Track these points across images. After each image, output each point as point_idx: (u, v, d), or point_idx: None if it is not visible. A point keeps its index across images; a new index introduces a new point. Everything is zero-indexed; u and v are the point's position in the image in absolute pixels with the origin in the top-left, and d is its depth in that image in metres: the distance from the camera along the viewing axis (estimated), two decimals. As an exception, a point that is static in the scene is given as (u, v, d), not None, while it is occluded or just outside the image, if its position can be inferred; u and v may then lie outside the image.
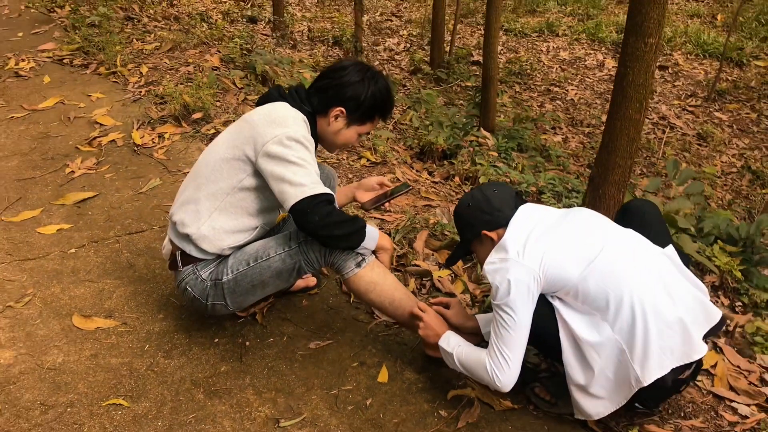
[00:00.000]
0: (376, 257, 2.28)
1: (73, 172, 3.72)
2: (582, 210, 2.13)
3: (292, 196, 2.05)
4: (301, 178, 2.07)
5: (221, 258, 2.28)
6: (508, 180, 4.27)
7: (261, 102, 2.32)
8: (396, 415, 2.15)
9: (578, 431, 2.12)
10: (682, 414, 2.22)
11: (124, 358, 2.34)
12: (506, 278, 1.89)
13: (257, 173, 2.16)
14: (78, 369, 2.28)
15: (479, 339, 2.31)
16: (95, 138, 4.13)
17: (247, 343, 2.45)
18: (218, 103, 4.71)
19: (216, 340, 2.46)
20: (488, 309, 2.63)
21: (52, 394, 2.16)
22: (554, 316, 1.96)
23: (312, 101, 2.26)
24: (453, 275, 2.89)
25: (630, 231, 2.06)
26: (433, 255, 2.99)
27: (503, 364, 1.91)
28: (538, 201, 4.30)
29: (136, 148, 4.04)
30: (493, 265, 1.95)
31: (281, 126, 2.12)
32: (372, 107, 2.27)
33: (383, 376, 2.31)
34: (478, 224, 2.08)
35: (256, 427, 2.08)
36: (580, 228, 2.01)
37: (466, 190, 4.06)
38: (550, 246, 1.93)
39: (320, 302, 2.72)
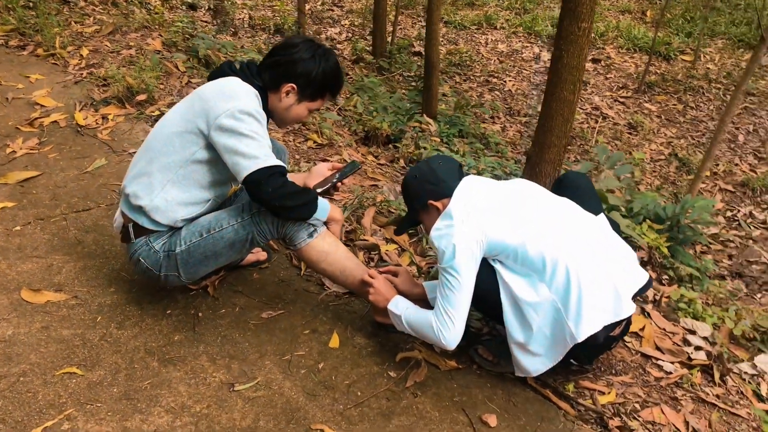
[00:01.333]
0: (327, 228, 2.36)
1: (14, 152, 3.66)
2: (521, 181, 2.27)
3: (245, 167, 2.11)
4: (254, 150, 2.13)
5: (174, 230, 2.32)
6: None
7: (212, 77, 2.37)
8: (347, 377, 2.24)
9: (518, 388, 2.26)
10: (613, 371, 2.39)
11: (76, 330, 2.35)
12: (451, 243, 2.00)
13: (209, 146, 2.21)
14: (29, 341, 2.28)
15: (425, 305, 2.43)
16: (36, 119, 4.06)
17: (200, 314, 2.50)
18: (162, 86, 4.69)
19: (168, 311, 2.50)
20: (434, 278, 2.75)
21: (2, 365, 2.16)
22: (495, 278, 2.08)
23: (263, 77, 2.32)
24: (400, 249, 3.00)
25: (565, 199, 2.21)
26: (380, 230, 3.09)
27: (448, 323, 2.02)
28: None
29: (79, 129, 3.99)
30: (439, 231, 2.06)
31: (233, 99, 2.17)
32: (322, 84, 2.34)
33: (334, 341, 2.40)
34: (424, 194, 2.19)
35: (211, 391, 2.14)
36: (519, 196, 2.14)
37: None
38: (491, 213, 2.05)
39: (271, 275, 2.78)
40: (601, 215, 2.29)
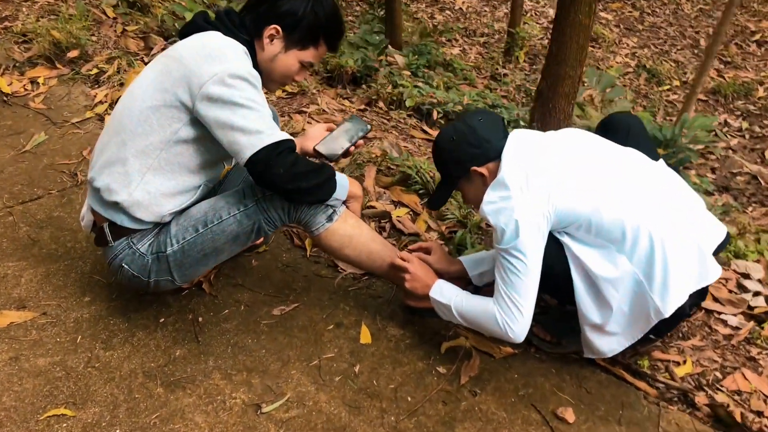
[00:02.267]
0: (346, 207, 2.01)
1: (-69, 134, 3.11)
2: (575, 132, 1.95)
3: (247, 146, 1.73)
4: (255, 123, 1.74)
5: (161, 226, 1.94)
6: (435, 101, 4.05)
7: (185, 33, 1.92)
8: (391, 380, 1.95)
9: (587, 370, 2.02)
10: (680, 335, 2.17)
11: (53, 357, 1.97)
12: (512, 218, 1.69)
13: (195, 121, 1.81)
14: (-2, 379, 1.90)
15: (466, 282, 2.13)
16: (-50, 90, 3.48)
17: (200, 319, 2.14)
18: (94, 38, 4.10)
19: (161, 319, 2.13)
20: (461, 245, 2.45)
21: (-29, 416, 1.78)
22: (564, 253, 1.79)
23: (247, 26, 1.90)
24: (412, 213, 2.68)
25: (631, 151, 1.91)
26: (385, 193, 2.75)
27: (515, 312, 1.74)
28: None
29: (6, 98, 3.44)
30: (494, 205, 1.74)
31: (219, 61, 1.76)
32: (314, 26, 1.92)
33: (365, 336, 2.09)
34: (465, 159, 1.85)
35: (235, 417, 1.82)
36: (583, 154, 1.83)
37: (395, 116, 3.81)
38: (555, 177, 1.74)
39: (272, 260, 2.43)
40: (661, 161, 2.01)
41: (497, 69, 6.26)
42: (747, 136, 6.33)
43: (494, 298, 1.79)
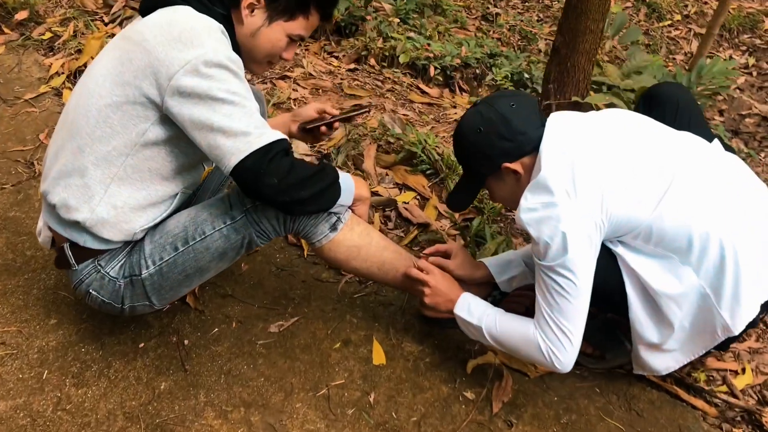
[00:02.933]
0: (352, 211, 1.72)
1: None
2: (621, 114, 1.66)
3: (231, 151, 1.44)
4: (239, 122, 1.44)
5: (133, 244, 1.65)
6: (431, 55, 3.70)
7: (147, 8, 1.58)
8: (412, 410, 1.71)
9: (635, 387, 1.79)
10: (735, 337, 1.94)
11: (15, 399, 1.70)
12: (559, 230, 1.42)
13: (166, 119, 1.50)
14: (-49, 432, 1.63)
15: (490, 289, 1.88)
16: None
17: (186, 342, 1.87)
18: (46, -4, 3.69)
19: (141, 344, 1.86)
20: (479, 237, 2.18)
21: None
22: (617, 266, 1.53)
23: (223, -1, 1.57)
24: (419, 197, 2.39)
25: (688, 137, 1.63)
26: (387, 174, 2.46)
27: (563, 341, 1.48)
28: (470, 78, 3.79)
29: (-54, 73, 3.06)
30: (534, 213, 1.46)
31: (191, 45, 1.44)
32: None
33: (378, 355, 1.84)
34: (496, 155, 1.57)
35: (234, 465, 1.57)
36: (636, 144, 1.54)
37: (389, 75, 3.46)
38: (608, 177, 1.46)
39: (265, 263, 2.15)
40: (716, 142, 1.73)
41: (488, 8, 5.88)
42: (754, 74, 6.04)
43: (536, 320, 1.53)
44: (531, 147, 1.55)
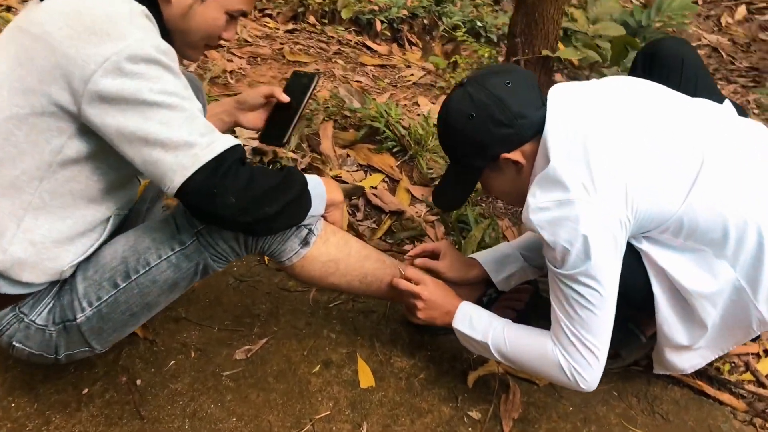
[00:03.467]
0: (324, 219, 1.47)
1: None
2: (628, 82, 1.44)
3: (174, 169, 1.17)
4: (180, 130, 1.17)
5: (62, 283, 1.37)
6: (376, 7, 3.39)
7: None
8: (413, 440, 1.51)
9: (656, 386, 1.63)
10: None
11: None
12: (579, 233, 1.21)
13: (86, 130, 1.21)
14: None
15: (484, 288, 1.67)
16: None
17: (139, 381, 1.61)
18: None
19: (85, 390, 1.58)
20: (461, 222, 1.96)
21: None
22: (641, 264, 1.34)
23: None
24: (388, 179, 2.15)
25: (705, 105, 1.43)
26: (349, 156, 2.20)
27: (589, 358, 1.29)
28: (419, 31, 3.51)
29: None
30: (547, 213, 1.24)
31: (109, 37, 1.15)
32: None
33: (366, 377, 1.62)
34: (492, 144, 1.34)
35: None
36: (656, 121, 1.33)
37: (331, 34, 3.15)
38: (630, 164, 1.25)
39: (220, 276, 1.88)
40: (727, 103, 1.55)
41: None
42: (700, 2, 5.95)
43: (554, 335, 1.34)
44: (533, 132, 1.33)
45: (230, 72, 2.62)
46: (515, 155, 1.34)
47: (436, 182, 2.09)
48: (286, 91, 1.64)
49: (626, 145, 1.27)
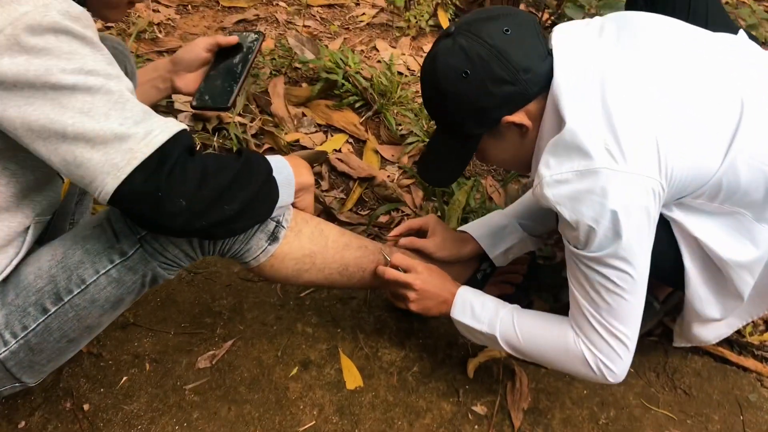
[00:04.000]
0: (295, 208, 1.25)
1: None
2: (637, 19, 1.22)
3: (104, 170, 0.95)
4: (108, 119, 0.95)
5: (-24, 311, 1.12)
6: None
7: None
8: (413, 447, 1.34)
9: (675, 357, 1.50)
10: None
11: None
12: (606, 208, 1.02)
13: (-15, 123, 0.96)
14: None
15: (477, 264, 1.49)
16: None
17: (86, 406, 1.39)
18: None
19: (22, 423, 1.36)
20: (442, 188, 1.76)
21: None
22: (670, 234, 1.16)
23: None
24: (353, 141, 1.92)
25: (726, 39, 1.23)
26: (305, 116, 1.95)
27: (618, 349, 1.13)
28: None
29: None
30: (566, 187, 1.05)
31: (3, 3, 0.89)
32: None
33: (352, 376, 1.44)
34: (492, 105, 1.12)
35: None
36: (683, 64, 1.13)
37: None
38: (660, 120, 1.06)
39: (172, 267, 1.64)
40: (741, 33, 1.36)
41: None
42: None
43: (574, 324, 1.17)
44: (539, 87, 1.12)
45: (158, 24, 2.30)
46: (519, 117, 1.13)
47: (408, 140, 1.88)
48: (222, 54, 1.41)
49: (653, 95, 1.07)
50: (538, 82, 1.11)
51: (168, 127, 0.98)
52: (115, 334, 1.50)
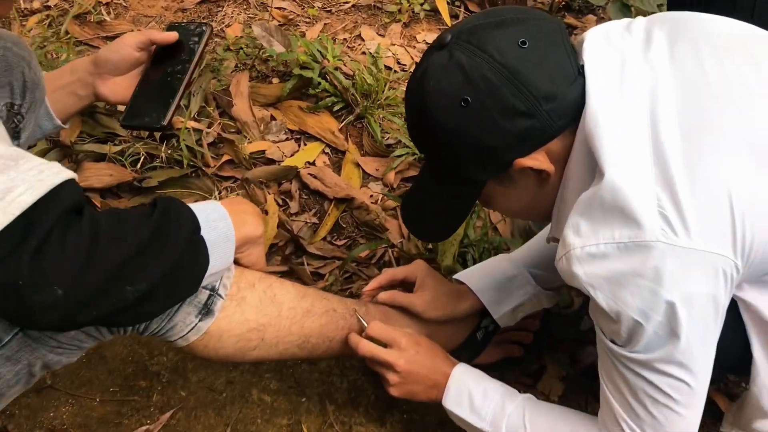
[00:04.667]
0: (238, 263, 0.97)
1: None
2: (702, 20, 0.93)
3: None
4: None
5: None
6: None
7: None
8: None
9: None
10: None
11: None
12: (661, 299, 0.75)
13: None
14: None
15: (477, 321, 1.21)
16: None
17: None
18: None
19: None
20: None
21: None
22: (736, 316, 0.88)
23: None
24: (330, 150, 1.63)
25: None
26: (273, 119, 1.66)
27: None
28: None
29: None
30: (605, 264, 0.77)
31: None
32: None
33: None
34: (501, 144, 0.83)
35: None
36: (762, 85, 0.84)
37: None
38: (733, 169, 0.77)
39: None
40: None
41: None
42: None
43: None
44: (566, 120, 0.83)
45: (105, 4, 1.99)
46: (537, 160, 0.84)
47: (396, 153, 1.59)
48: (159, 56, 1.14)
49: (725, 134, 0.79)
50: (565, 114, 0.82)
51: (41, 180, 0.69)
52: (27, 400, 1.23)
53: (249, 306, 0.96)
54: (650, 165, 0.77)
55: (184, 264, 0.81)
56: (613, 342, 0.82)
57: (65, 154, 1.57)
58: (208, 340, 0.93)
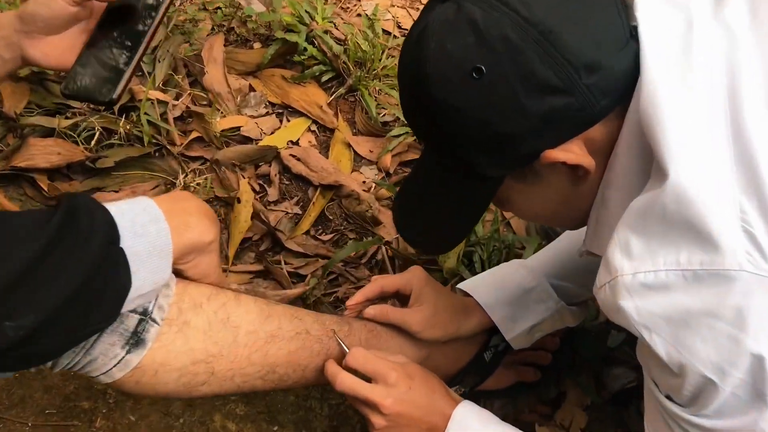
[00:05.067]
0: (184, 277, 0.77)
1: None
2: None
3: None
4: None
5: None
6: None
7: None
8: None
9: None
10: None
11: None
12: (744, 348, 0.55)
13: None
14: None
15: (486, 339, 1.02)
16: None
17: None
18: None
19: None
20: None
21: None
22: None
23: None
24: (317, 128, 1.42)
25: None
26: (253, 90, 1.45)
27: None
28: None
29: None
30: (668, 297, 0.57)
31: None
32: None
33: None
34: (524, 130, 0.63)
35: None
36: None
37: None
38: None
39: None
40: None
41: None
42: None
43: None
44: (610, 100, 0.62)
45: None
46: (573, 151, 0.64)
47: (393, 132, 1.39)
48: (112, 14, 0.93)
49: None
50: (611, 90, 0.62)
51: None
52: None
53: (194, 332, 0.75)
54: (730, 162, 0.57)
55: (93, 286, 0.61)
56: (669, 398, 0.62)
57: (9, 128, 1.36)
58: (140, 376, 0.73)
